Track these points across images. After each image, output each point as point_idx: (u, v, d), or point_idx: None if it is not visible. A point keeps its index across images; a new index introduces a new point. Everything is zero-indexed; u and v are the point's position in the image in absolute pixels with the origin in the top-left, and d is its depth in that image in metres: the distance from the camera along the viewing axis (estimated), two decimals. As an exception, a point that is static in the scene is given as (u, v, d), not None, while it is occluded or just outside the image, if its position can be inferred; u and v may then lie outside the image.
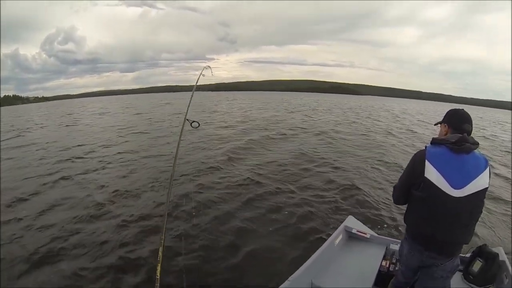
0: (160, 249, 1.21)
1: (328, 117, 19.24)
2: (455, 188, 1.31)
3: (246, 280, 2.72)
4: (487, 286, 2.00)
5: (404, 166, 1.60)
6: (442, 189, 1.33)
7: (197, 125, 2.22)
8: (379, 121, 18.60)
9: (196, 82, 2.78)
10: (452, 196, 1.32)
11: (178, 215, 3.90)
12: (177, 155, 2.02)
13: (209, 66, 3.03)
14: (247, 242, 3.37)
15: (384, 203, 4.67)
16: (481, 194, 1.33)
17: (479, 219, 1.43)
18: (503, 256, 2.14)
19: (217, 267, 2.89)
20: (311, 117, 18.83)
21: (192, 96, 2.77)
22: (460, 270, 1.89)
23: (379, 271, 2.19)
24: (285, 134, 11.19)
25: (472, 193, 1.31)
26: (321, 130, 12.50)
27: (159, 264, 1.17)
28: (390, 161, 7.56)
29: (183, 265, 2.68)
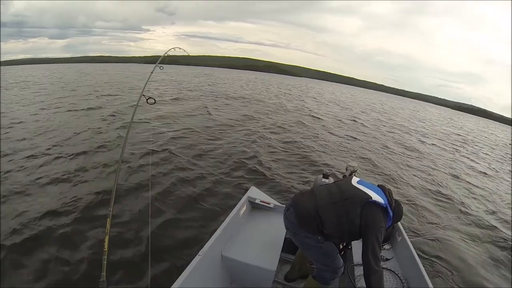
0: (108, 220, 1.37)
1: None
2: None
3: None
4: (383, 243, 2.12)
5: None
6: None
7: (153, 102, 2.04)
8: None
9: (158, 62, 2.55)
10: None
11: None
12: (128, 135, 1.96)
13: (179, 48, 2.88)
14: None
15: (282, 172, 4.88)
16: None
17: None
18: None
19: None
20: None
21: (152, 71, 2.53)
22: None
23: (286, 238, 2.22)
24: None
25: None
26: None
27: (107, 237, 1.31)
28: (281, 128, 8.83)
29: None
